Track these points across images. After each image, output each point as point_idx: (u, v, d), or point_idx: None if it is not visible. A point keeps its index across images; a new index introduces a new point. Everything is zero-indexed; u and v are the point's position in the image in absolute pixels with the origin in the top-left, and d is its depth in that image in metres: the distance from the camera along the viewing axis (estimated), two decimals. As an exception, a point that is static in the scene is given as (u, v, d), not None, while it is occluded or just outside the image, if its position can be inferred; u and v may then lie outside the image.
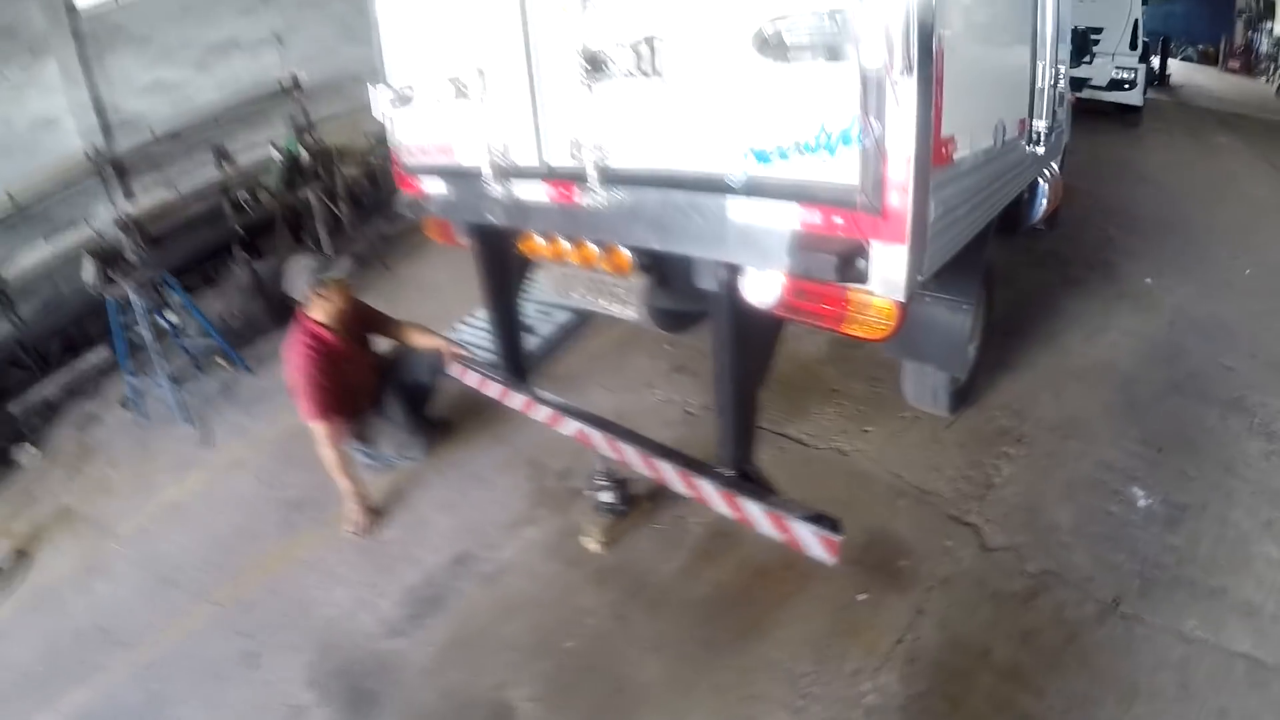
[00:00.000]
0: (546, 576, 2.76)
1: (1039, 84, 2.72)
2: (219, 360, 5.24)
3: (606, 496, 2.75)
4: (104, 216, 6.82)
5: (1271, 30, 15.94)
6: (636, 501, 2.86)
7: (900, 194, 1.45)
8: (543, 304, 3.86)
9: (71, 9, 6.97)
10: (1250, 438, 3.15)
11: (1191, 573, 2.51)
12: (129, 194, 7.08)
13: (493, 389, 3.13)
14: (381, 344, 3.52)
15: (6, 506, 4.61)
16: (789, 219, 1.63)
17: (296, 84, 7.51)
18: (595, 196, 2.06)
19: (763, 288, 1.83)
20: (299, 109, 7.66)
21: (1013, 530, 2.67)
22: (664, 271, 2.34)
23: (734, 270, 1.91)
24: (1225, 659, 2.23)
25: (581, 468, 3.06)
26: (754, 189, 1.68)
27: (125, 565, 3.69)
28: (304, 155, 6.86)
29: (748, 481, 2.22)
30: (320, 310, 3.09)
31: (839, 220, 1.55)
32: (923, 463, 2.99)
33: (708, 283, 2.05)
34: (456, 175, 2.65)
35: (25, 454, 5.07)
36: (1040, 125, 2.79)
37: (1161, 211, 5.95)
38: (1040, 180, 3.63)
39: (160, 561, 3.63)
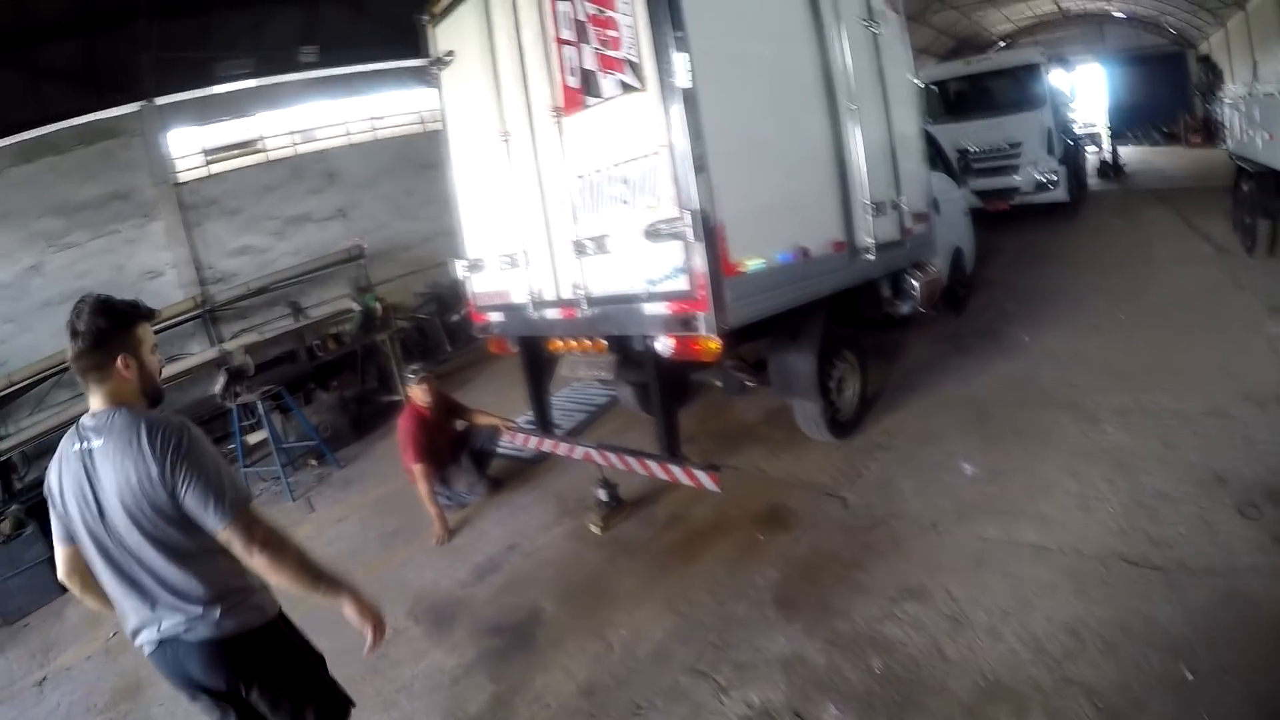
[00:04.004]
0: (566, 548, 5.08)
1: (855, 214, 5.20)
2: (311, 461, 8.10)
3: (603, 495, 5.15)
4: (199, 351, 9.84)
5: (1224, 99, 18.10)
6: (624, 503, 5.26)
7: (703, 291, 3.92)
8: (574, 401, 6.67)
9: (176, 182, 10.54)
10: (1075, 424, 5.06)
11: (999, 505, 4.33)
12: (219, 338, 10.28)
13: (531, 440, 5.65)
14: (459, 423, 6.17)
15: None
16: (666, 308, 4.13)
17: (360, 252, 10.93)
18: (585, 311, 4.65)
19: (663, 344, 4.28)
20: (361, 273, 11.06)
21: (868, 496, 4.80)
22: (621, 348, 4.86)
23: (650, 338, 4.37)
24: (1015, 548, 3.92)
25: (590, 497, 5.40)
26: (651, 298, 4.19)
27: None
28: (379, 309, 10.00)
29: (675, 458, 4.59)
30: (418, 396, 5.80)
31: (684, 305, 4.02)
32: (815, 469, 5.27)
33: (640, 346, 4.53)
34: (510, 308, 5.32)
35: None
36: (867, 241, 5.28)
37: (1061, 284, 8.21)
38: (911, 281, 6.12)
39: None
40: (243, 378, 7.68)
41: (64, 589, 2.66)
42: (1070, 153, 12.54)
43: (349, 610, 2.52)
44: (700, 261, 3.97)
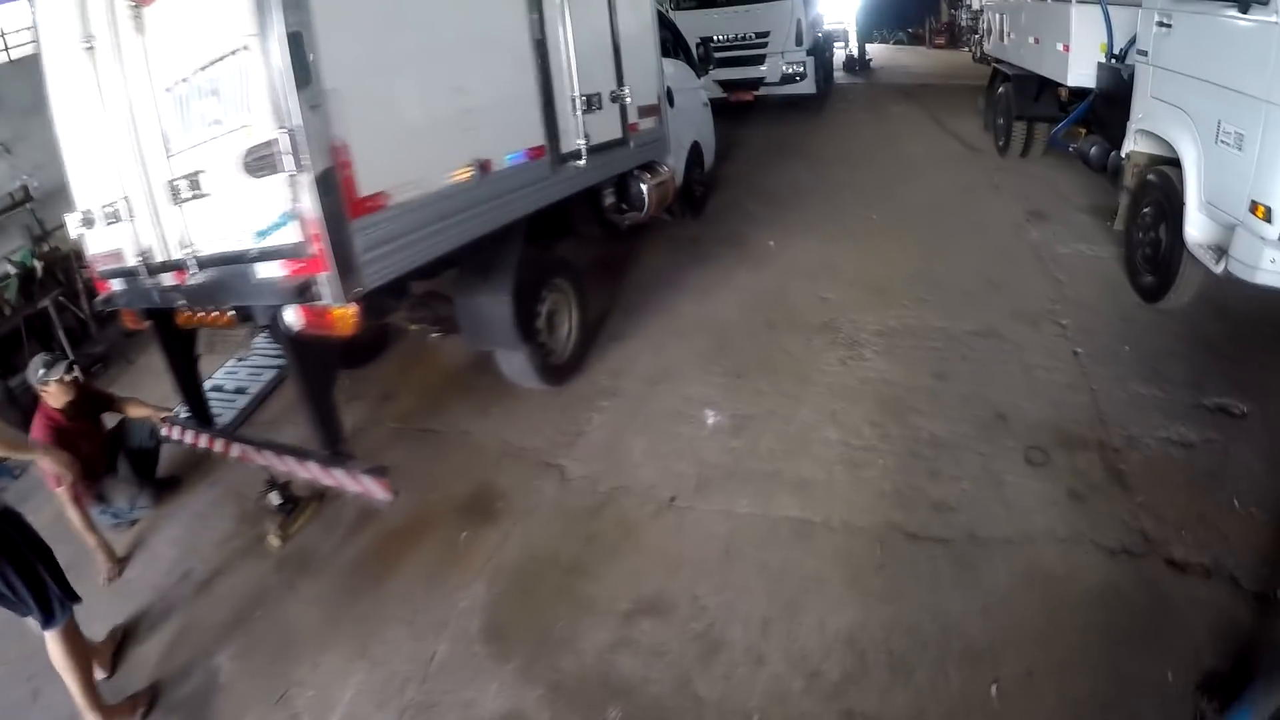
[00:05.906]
0: (244, 572, 4.00)
1: (560, 111, 4.23)
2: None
3: (275, 499, 4.08)
4: None
5: (971, 5, 19.39)
6: (304, 501, 4.22)
7: (320, 244, 2.84)
8: (252, 368, 5.49)
9: None
10: (831, 350, 4.55)
11: (750, 465, 3.74)
12: None
13: (187, 436, 4.39)
14: (108, 416, 4.78)
15: None
16: (281, 269, 3.01)
17: (27, 194, 8.91)
18: (195, 275, 3.44)
19: (292, 317, 3.18)
20: (32, 219, 9.07)
21: (592, 463, 4.01)
22: (253, 320, 3.69)
23: (274, 309, 3.26)
24: (772, 525, 3.35)
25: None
26: (262, 255, 3.05)
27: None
28: (38, 266, 8.18)
29: (338, 457, 3.53)
30: (51, 398, 4.33)
31: (300, 265, 2.92)
32: (528, 427, 4.41)
33: (265, 319, 3.41)
34: (126, 274, 3.97)
35: None
36: (576, 144, 4.35)
37: (809, 182, 7.74)
38: (639, 186, 5.30)
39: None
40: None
41: None
42: (819, 46, 12.31)
43: (44, 464, 3.46)
44: (311, 202, 2.87)
